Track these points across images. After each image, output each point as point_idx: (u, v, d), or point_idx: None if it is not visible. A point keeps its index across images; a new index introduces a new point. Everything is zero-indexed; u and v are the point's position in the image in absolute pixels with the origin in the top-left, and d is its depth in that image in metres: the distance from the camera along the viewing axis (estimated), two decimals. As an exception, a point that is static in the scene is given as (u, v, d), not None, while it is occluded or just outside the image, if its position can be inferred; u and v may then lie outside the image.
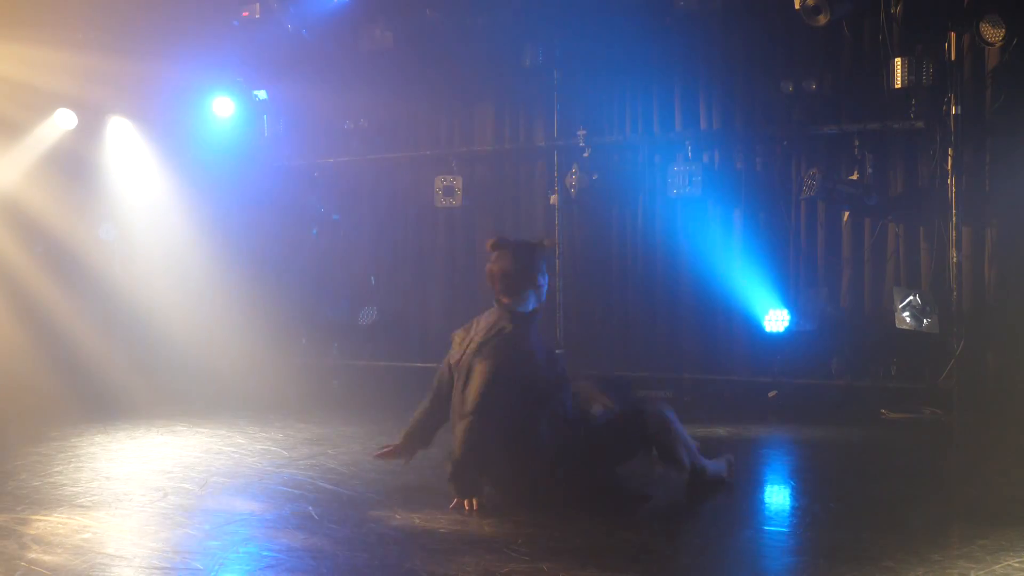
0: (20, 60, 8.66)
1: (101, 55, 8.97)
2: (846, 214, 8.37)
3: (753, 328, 8.51)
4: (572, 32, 9.11)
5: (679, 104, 8.96)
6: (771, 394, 8.42)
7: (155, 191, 10.13)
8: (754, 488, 5.97)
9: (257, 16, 9.20)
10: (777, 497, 5.91)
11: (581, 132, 9.11)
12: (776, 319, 8.40)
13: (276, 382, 9.14)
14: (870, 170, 8.14)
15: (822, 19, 7.74)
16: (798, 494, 5.82)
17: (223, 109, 10.04)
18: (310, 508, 5.02)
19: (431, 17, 9.25)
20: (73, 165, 9.75)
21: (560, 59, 9.27)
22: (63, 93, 9.35)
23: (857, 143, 8.17)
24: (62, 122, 9.62)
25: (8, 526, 4.61)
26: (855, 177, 8.17)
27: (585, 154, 9.12)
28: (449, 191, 9.60)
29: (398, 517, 4.86)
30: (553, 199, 9.35)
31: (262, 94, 10.15)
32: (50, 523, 4.69)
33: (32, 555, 4.16)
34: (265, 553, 4.29)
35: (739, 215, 8.77)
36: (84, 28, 8.99)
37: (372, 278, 10.20)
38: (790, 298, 8.47)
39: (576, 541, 4.48)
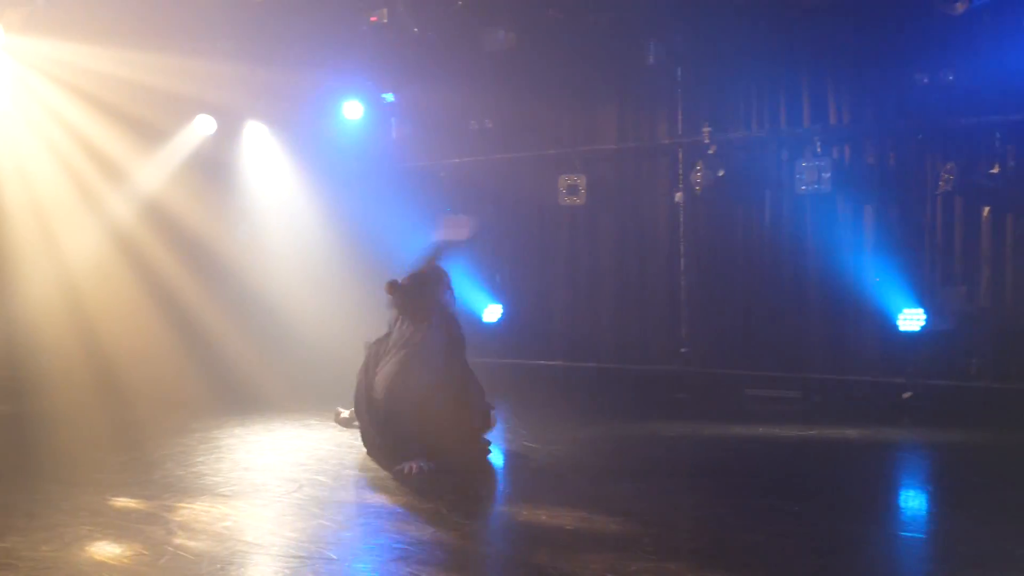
0: (163, 69, 9.03)
1: (238, 63, 9.29)
2: (986, 209, 8.06)
3: (886, 327, 8.29)
4: (696, 27, 9.02)
5: (807, 98, 8.78)
6: (906, 395, 8.19)
7: (288, 192, 10.45)
8: (888, 492, 5.82)
9: (385, 21, 9.37)
10: (913, 502, 5.74)
11: (706, 129, 9.03)
12: (911, 318, 8.16)
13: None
14: (1012, 163, 7.83)
15: (960, 7, 7.48)
16: (935, 500, 5.64)
17: (352, 112, 10.30)
18: (438, 502, 5.11)
19: (553, 17, 9.28)
20: (212, 168, 10.13)
21: (684, 55, 9.20)
22: (203, 100, 9.74)
23: (998, 135, 7.88)
24: (202, 127, 10.03)
25: (156, 513, 4.84)
26: (995, 170, 7.87)
27: (710, 151, 9.03)
28: (573, 190, 9.64)
29: (524, 513, 4.91)
30: (678, 197, 9.30)
31: (389, 97, 10.37)
32: (193, 511, 4.90)
33: (178, 541, 4.36)
34: (396, 545, 4.39)
35: (871, 211, 8.55)
36: (222, 37, 9.32)
37: (497, 276, 10.30)
38: (925, 296, 8.22)
39: (703, 541, 4.45)
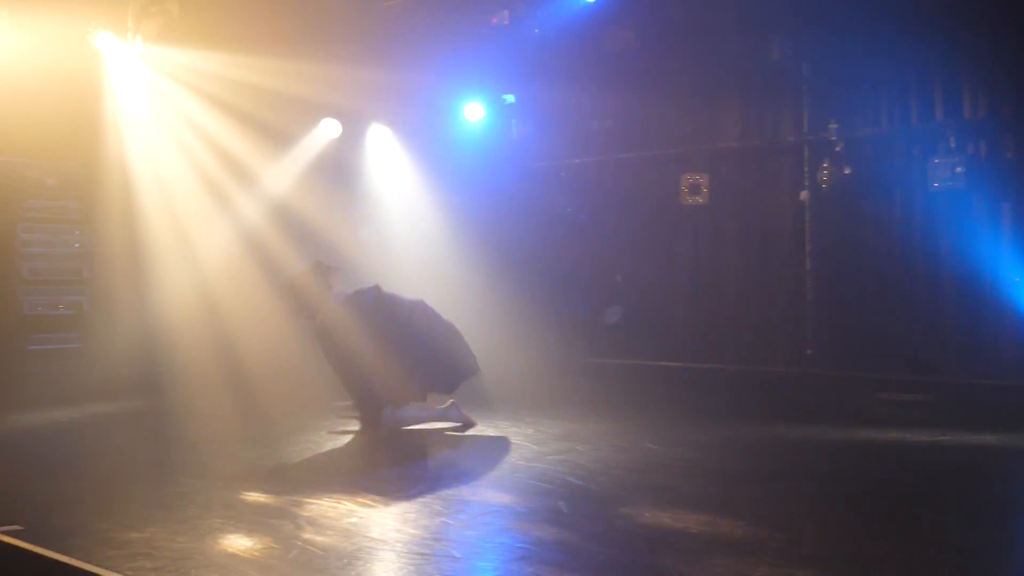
0: (290, 75, 9.27)
1: (362, 67, 9.47)
2: None
3: (1024, 329, 7.97)
4: (822, 22, 8.81)
5: (940, 92, 8.48)
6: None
7: (411, 194, 10.60)
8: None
9: (506, 23, 9.44)
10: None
11: (833, 125, 8.81)
12: (1051, 319, 7.82)
13: (524, 378, 9.35)
14: None
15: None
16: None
17: (474, 114, 10.40)
18: (560, 503, 5.10)
19: (674, 15, 9.20)
20: (337, 171, 10.34)
21: (809, 51, 9.00)
22: (328, 104, 9.96)
23: None
24: (327, 131, 10.25)
25: (285, 508, 4.95)
26: None
27: (837, 148, 8.81)
28: (695, 189, 9.53)
29: (647, 515, 4.87)
30: (803, 195, 9.10)
31: (510, 98, 10.43)
32: (321, 506, 5.00)
33: (306, 536, 4.45)
34: (518, 545, 4.40)
35: (1008, 209, 8.20)
36: (347, 42, 9.51)
37: (618, 276, 10.25)
38: (1066, 297, 7.87)
39: (832, 548, 4.34)
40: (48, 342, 9.05)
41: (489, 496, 5.38)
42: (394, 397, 7.30)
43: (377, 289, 7.54)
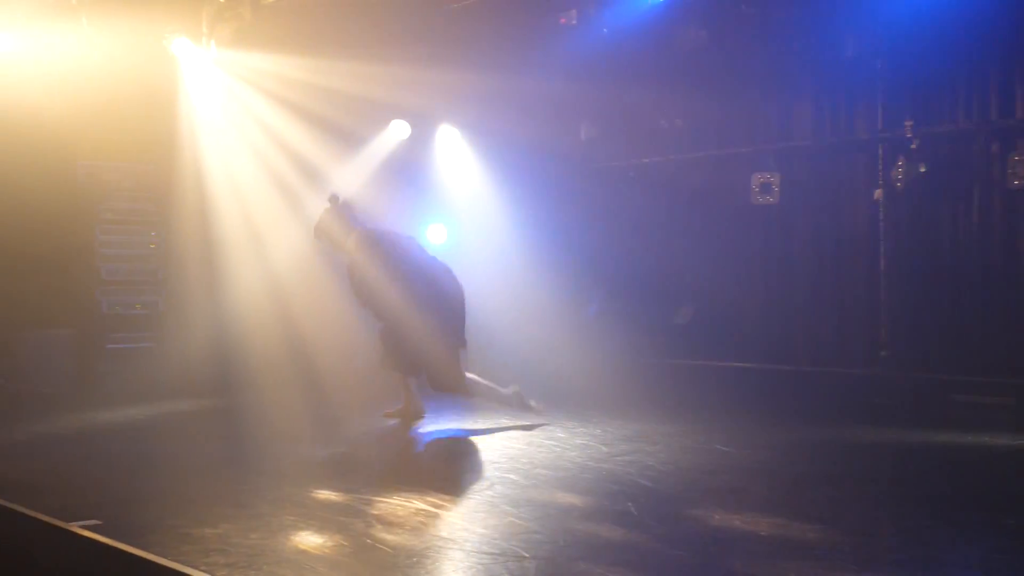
0: (360, 76, 9.36)
1: (431, 68, 9.52)
2: None
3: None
4: (896, 16, 8.64)
5: (1020, 86, 8.26)
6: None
7: (480, 194, 10.63)
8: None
9: (574, 23, 9.41)
10: None
11: (908, 122, 8.63)
12: None
13: (594, 378, 9.31)
14: None
15: None
16: None
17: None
18: (629, 504, 5.07)
19: (746, 12, 9.10)
20: (406, 172, 10.42)
21: (884, 46, 8.83)
22: (398, 105, 10.03)
23: None
24: (397, 132, 10.33)
25: (355, 505, 5.00)
26: None
27: (912, 145, 8.63)
28: (766, 188, 9.42)
29: (717, 517, 4.82)
30: (877, 194, 8.93)
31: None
32: (390, 504, 5.03)
33: (376, 533, 4.49)
34: (587, 545, 4.39)
35: (1092, 207, 7.98)
36: (415, 44, 9.57)
37: (688, 277, 10.17)
38: None
39: (908, 553, 4.24)
40: (125, 341, 9.27)
41: (557, 496, 5.37)
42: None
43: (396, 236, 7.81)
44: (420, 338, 7.39)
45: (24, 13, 8.38)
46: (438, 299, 7.57)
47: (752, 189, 9.49)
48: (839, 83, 9.21)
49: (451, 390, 7.65)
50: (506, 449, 6.64)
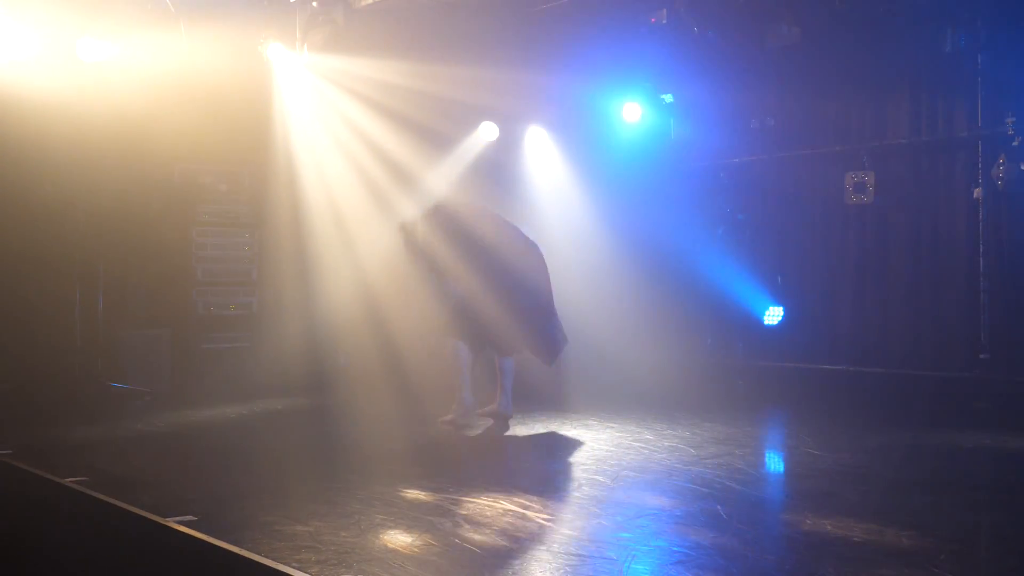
0: (450, 79, 9.42)
1: (520, 69, 9.54)
2: None
3: None
4: (999, 11, 8.39)
5: None
6: None
7: (568, 195, 10.62)
8: None
9: (664, 22, 9.34)
10: None
11: (1010, 120, 8.38)
12: None
13: (682, 380, 9.24)
14: None
15: None
16: None
17: (632, 114, 10.34)
18: (718, 507, 5.02)
19: (840, 8, 8.92)
20: (495, 173, 10.46)
21: (985, 41, 8.58)
22: (487, 107, 10.08)
23: None
24: (486, 134, 10.38)
25: (443, 505, 5.04)
26: None
27: (1014, 143, 8.37)
28: (860, 187, 9.23)
29: (808, 522, 4.74)
30: (977, 193, 8.69)
31: (669, 98, 10.33)
32: (478, 505, 5.06)
33: (464, 533, 4.52)
34: (675, 548, 4.36)
35: None
36: (505, 46, 9.60)
37: (779, 278, 10.03)
38: None
39: (1009, 563, 4.12)
40: (221, 341, 9.47)
41: (646, 498, 5.35)
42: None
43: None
44: (496, 314, 7.43)
45: (125, 21, 8.61)
46: (523, 274, 7.60)
47: (846, 188, 9.30)
48: (937, 79, 8.98)
49: (542, 356, 7.83)
50: (593, 451, 6.63)
